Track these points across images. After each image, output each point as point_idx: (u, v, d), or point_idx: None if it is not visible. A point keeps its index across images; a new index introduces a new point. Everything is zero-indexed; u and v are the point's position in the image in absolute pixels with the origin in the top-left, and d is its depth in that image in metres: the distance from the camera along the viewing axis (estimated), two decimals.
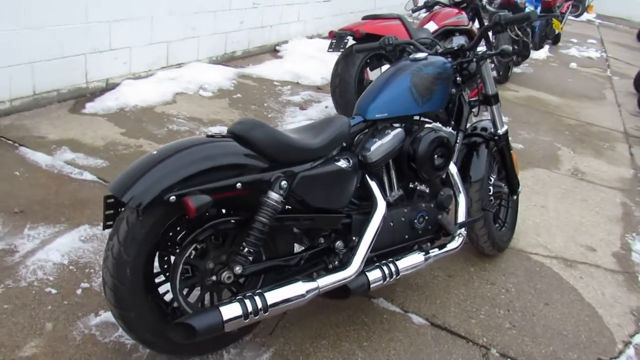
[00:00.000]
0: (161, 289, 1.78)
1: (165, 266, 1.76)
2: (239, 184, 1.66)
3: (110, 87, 4.12)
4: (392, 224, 2.10)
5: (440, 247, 2.25)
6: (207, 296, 1.82)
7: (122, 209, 1.62)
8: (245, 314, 1.64)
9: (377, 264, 2.02)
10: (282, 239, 1.91)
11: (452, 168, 2.32)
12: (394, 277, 2.02)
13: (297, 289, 1.76)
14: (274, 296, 1.71)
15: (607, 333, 2.34)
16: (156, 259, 1.74)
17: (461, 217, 2.30)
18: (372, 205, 2.02)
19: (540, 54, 8.55)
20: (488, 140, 2.54)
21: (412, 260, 2.10)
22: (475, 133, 2.56)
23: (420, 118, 2.24)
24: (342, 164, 1.93)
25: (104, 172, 2.94)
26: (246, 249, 1.71)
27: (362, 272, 1.94)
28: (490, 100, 2.46)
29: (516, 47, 1.99)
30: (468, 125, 2.47)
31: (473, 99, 2.48)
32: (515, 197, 2.79)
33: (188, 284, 1.75)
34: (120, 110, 3.83)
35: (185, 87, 4.45)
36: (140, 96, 4.05)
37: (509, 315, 2.35)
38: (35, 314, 1.93)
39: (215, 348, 1.89)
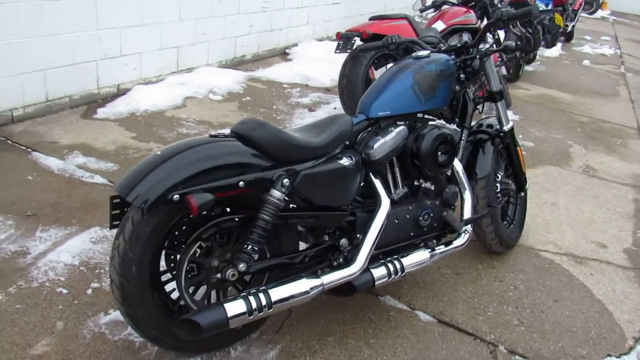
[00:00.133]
0: (168, 287, 1.81)
1: (172, 265, 1.79)
2: (241, 183, 1.68)
3: (121, 92, 4.19)
4: (396, 221, 2.11)
5: (446, 244, 2.25)
6: (213, 294, 1.84)
7: (128, 209, 1.65)
8: (250, 311, 1.66)
9: (382, 261, 2.02)
10: (287, 237, 1.93)
11: (457, 165, 2.31)
12: (399, 274, 2.03)
13: (301, 285, 1.78)
14: (278, 293, 1.73)
15: (617, 329, 2.31)
16: (162, 257, 1.77)
17: (467, 214, 2.29)
18: (376, 203, 2.03)
19: (553, 52, 8.49)
20: (494, 137, 2.53)
21: (417, 258, 2.10)
22: (481, 130, 2.56)
23: (424, 116, 2.25)
24: (345, 161, 1.95)
25: (115, 175, 2.99)
26: (250, 247, 1.73)
27: (367, 269, 1.95)
28: (494, 97, 2.46)
29: (519, 43, 1.99)
30: (474, 122, 2.47)
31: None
32: (522, 194, 2.77)
33: (193, 282, 1.78)
34: (131, 115, 3.89)
35: (195, 91, 4.51)
36: (150, 101, 4.11)
37: (517, 312, 2.34)
38: (47, 313, 1.97)
39: (222, 345, 1.91)
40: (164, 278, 1.79)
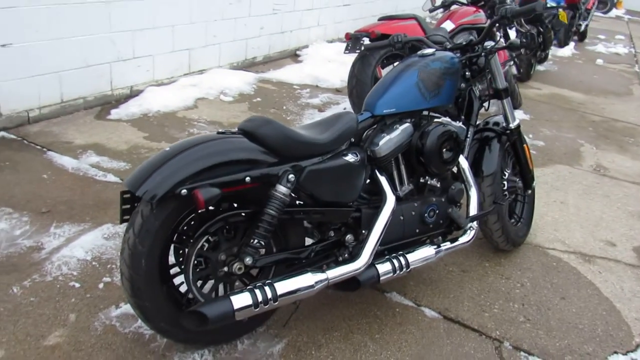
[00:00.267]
0: (176, 281, 1.85)
1: (180, 259, 1.84)
2: (247, 178, 1.72)
3: (134, 94, 4.26)
4: (402, 217, 2.13)
5: (452, 240, 2.26)
6: (220, 288, 1.88)
7: (138, 204, 1.70)
8: (256, 303, 1.69)
9: (387, 257, 2.05)
10: (293, 232, 1.96)
11: (463, 162, 2.33)
12: (404, 269, 2.05)
13: (306, 279, 1.81)
14: (283, 286, 1.76)
15: (624, 327, 2.31)
16: (171, 251, 1.82)
17: (472, 211, 2.31)
18: (381, 199, 2.05)
19: (565, 51, 8.43)
20: (500, 135, 2.54)
21: (422, 254, 2.12)
22: (487, 128, 2.57)
23: (429, 113, 2.27)
24: (350, 158, 1.97)
25: (127, 174, 3.05)
26: (256, 241, 1.76)
27: (372, 265, 1.98)
28: (500, 95, 2.47)
29: (524, 40, 1.99)
30: (481, 120, 2.48)
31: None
32: (530, 191, 2.77)
33: (201, 275, 1.82)
34: (144, 115, 3.96)
35: (206, 93, 4.57)
36: (162, 102, 4.18)
37: (523, 309, 2.34)
38: (60, 306, 2.03)
39: (229, 339, 1.95)
40: (172, 271, 1.84)
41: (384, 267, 2.00)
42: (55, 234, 2.44)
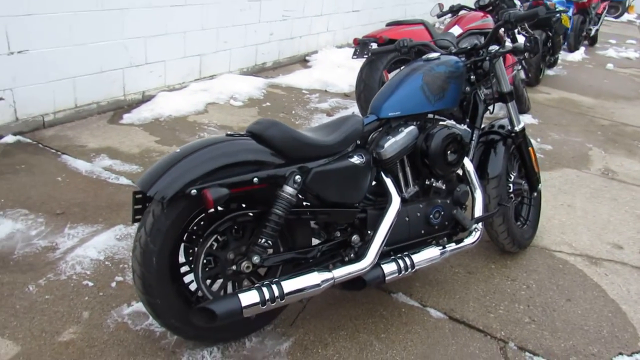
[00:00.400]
0: (186, 279, 1.90)
1: (190, 258, 1.89)
2: (255, 179, 1.76)
3: (146, 99, 4.35)
4: (407, 219, 2.17)
5: (457, 242, 2.29)
6: (229, 286, 1.92)
7: (149, 204, 1.75)
8: (263, 301, 1.73)
9: (393, 257, 2.08)
10: (300, 233, 2.00)
11: (468, 165, 2.36)
12: (410, 270, 2.08)
13: (312, 278, 1.85)
14: (290, 285, 1.80)
15: (630, 328, 2.31)
16: (181, 251, 1.87)
17: (478, 212, 2.33)
18: (387, 201, 2.09)
19: (576, 56, 8.42)
20: (505, 138, 2.57)
21: (428, 254, 2.15)
22: (493, 131, 2.60)
23: (434, 116, 2.30)
24: (356, 160, 2.01)
25: (139, 176, 3.11)
26: (263, 240, 1.81)
27: (377, 265, 2.01)
28: (505, 98, 2.50)
29: (528, 44, 2.02)
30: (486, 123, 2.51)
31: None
32: (536, 194, 2.79)
33: (210, 274, 1.86)
34: (155, 120, 4.04)
35: (216, 97, 4.64)
36: (174, 107, 4.26)
37: (528, 310, 2.36)
38: (74, 304, 2.09)
39: (237, 336, 2.00)
40: (182, 270, 1.89)
41: (389, 267, 2.04)
42: (69, 235, 2.51)
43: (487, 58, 2.37)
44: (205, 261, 1.84)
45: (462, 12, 5.03)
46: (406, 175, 2.22)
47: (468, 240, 2.30)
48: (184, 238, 1.84)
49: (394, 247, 2.13)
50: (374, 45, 4.05)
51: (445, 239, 2.31)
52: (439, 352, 2.07)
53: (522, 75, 4.85)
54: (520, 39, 5.05)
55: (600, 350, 2.17)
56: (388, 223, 2.04)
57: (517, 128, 2.57)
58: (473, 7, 5.25)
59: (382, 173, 2.12)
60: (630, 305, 2.47)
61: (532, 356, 2.10)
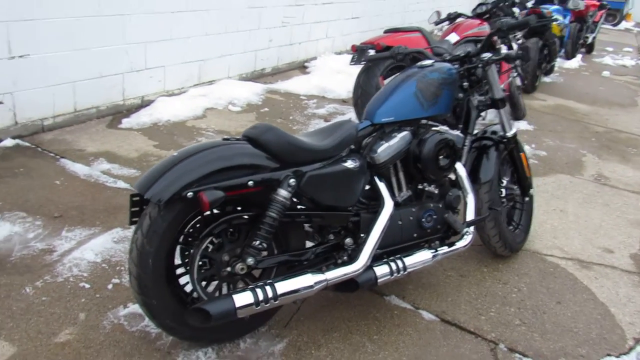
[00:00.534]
0: (182, 281, 1.94)
1: (186, 260, 1.92)
2: (250, 182, 1.80)
3: (145, 103, 4.39)
4: (400, 222, 2.20)
5: (449, 245, 2.33)
6: (224, 288, 1.96)
7: (146, 206, 1.79)
8: (257, 302, 1.77)
9: (385, 259, 2.12)
10: (294, 235, 2.04)
11: (461, 169, 2.40)
12: (402, 272, 2.12)
13: (306, 280, 1.88)
14: (283, 286, 1.84)
15: (618, 330, 2.35)
16: (177, 252, 1.90)
17: (470, 216, 2.37)
18: (380, 204, 2.13)
19: (572, 63, 8.49)
20: (497, 143, 2.61)
21: (420, 257, 2.19)
22: (485, 136, 2.64)
23: (427, 122, 2.34)
24: (349, 164, 2.06)
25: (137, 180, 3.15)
26: (258, 242, 1.85)
27: (369, 267, 2.05)
28: (497, 104, 2.54)
29: (520, 52, 2.08)
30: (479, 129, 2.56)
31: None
32: (528, 198, 2.83)
33: (206, 275, 1.90)
34: (154, 125, 4.08)
35: (215, 103, 4.69)
36: (172, 112, 4.30)
37: (519, 312, 2.40)
38: (70, 305, 2.12)
39: (232, 337, 2.03)
40: (178, 271, 1.92)
41: (381, 270, 2.07)
42: (66, 237, 2.54)
43: (480, 65, 2.41)
44: (200, 263, 1.87)
45: (459, 20, 5.10)
46: (399, 179, 2.26)
47: (460, 244, 2.34)
48: (180, 240, 1.88)
49: (387, 250, 2.17)
50: (372, 52, 4.10)
51: (437, 242, 2.35)
52: (430, 353, 2.10)
53: (518, 82, 4.90)
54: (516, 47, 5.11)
55: (589, 351, 2.21)
56: (381, 226, 2.08)
57: (509, 134, 2.61)
58: (470, 14, 5.32)
59: (375, 177, 2.16)
60: (619, 307, 2.51)
61: (522, 357, 2.14)
